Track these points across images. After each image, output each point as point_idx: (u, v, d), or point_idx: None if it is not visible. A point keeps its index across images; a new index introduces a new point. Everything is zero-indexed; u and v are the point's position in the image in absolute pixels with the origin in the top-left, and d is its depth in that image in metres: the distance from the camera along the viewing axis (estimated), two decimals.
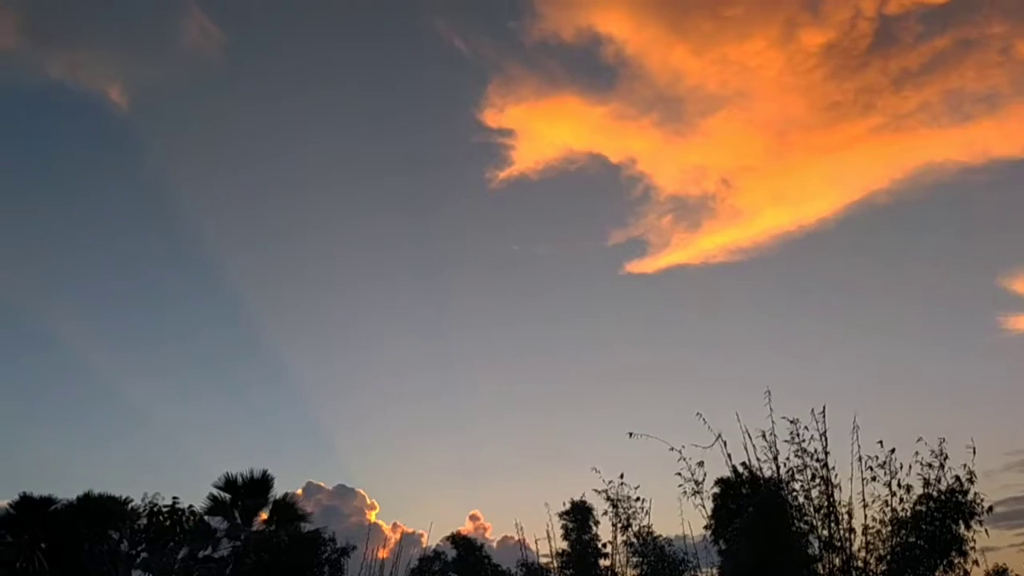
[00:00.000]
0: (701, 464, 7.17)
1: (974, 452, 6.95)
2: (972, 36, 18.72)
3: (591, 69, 21.30)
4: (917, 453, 7.03)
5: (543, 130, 22.10)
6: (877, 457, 6.98)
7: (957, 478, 7.05)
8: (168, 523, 11.80)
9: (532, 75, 21.32)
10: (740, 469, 7.34)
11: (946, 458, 7.05)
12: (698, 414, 7.18)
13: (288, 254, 25.03)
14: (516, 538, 9.40)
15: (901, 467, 7.00)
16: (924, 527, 7.09)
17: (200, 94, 24.14)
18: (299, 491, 14.22)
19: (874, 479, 6.94)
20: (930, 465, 7.09)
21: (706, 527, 7.65)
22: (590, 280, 24.61)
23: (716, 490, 8.55)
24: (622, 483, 7.66)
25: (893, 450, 6.97)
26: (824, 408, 7.04)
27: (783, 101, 20.49)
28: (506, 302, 25.20)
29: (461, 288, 25.35)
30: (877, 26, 18.76)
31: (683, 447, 7.25)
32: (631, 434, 7.21)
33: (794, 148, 21.11)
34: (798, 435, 7.22)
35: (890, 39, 19.11)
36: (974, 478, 6.98)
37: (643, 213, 22.36)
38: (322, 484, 18.35)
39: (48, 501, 11.83)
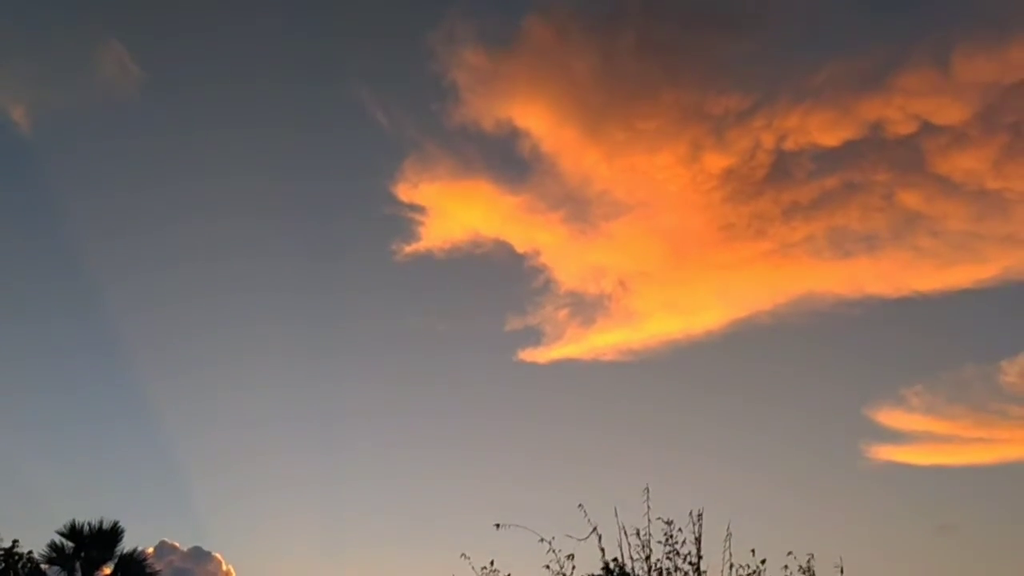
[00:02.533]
0: (571, 557, 7.13)
1: (841, 572, 7.15)
2: (858, 180, 20.11)
3: (507, 160, 21.72)
4: (787, 567, 7.18)
5: (454, 211, 22.26)
6: (748, 566, 7.09)
7: None
8: (3, 567, 10.84)
9: (449, 157, 21.61)
10: (612, 566, 7.35)
11: (814, 575, 7.23)
12: (580, 506, 7.15)
13: (166, 290, 24.15)
14: None
15: None
16: None
17: (109, 127, 23.43)
18: (151, 549, 13.34)
19: None
20: None
21: None
22: (483, 362, 24.58)
23: None
24: (493, 570, 7.53)
25: (764, 560, 7.10)
26: (702, 512, 7.16)
27: (683, 216, 21.38)
28: (396, 372, 24.84)
29: (350, 350, 24.86)
30: (774, 159, 19.94)
31: (553, 538, 7.22)
32: (498, 525, 7.16)
33: (689, 261, 21.97)
34: (672, 536, 7.29)
35: (784, 173, 20.32)
36: None
37: (541, 304, 22.61)
38: (176, 544, 17.31)
39: None
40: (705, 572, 7.06)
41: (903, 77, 19.01)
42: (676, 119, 20.40)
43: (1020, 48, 18.20)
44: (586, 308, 22.58)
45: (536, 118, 20.69)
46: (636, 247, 21.98)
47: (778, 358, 23.27)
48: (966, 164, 19.13)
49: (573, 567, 7.14)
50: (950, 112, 18.67)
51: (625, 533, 7.29)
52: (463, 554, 7.27)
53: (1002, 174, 18.77)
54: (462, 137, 21.30)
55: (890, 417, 20.53)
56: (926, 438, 20.26)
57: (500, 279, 23.79)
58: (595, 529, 7.34)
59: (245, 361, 24.42)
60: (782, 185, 20.44)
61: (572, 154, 21.03)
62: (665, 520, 7.27)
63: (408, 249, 22.04)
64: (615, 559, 7.23)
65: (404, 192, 21.50)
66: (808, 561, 7.15)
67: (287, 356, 23.96)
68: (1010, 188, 18.79)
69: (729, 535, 7.23)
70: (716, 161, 20.09)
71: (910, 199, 19.91)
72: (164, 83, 22.95)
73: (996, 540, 19.68)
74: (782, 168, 20.16)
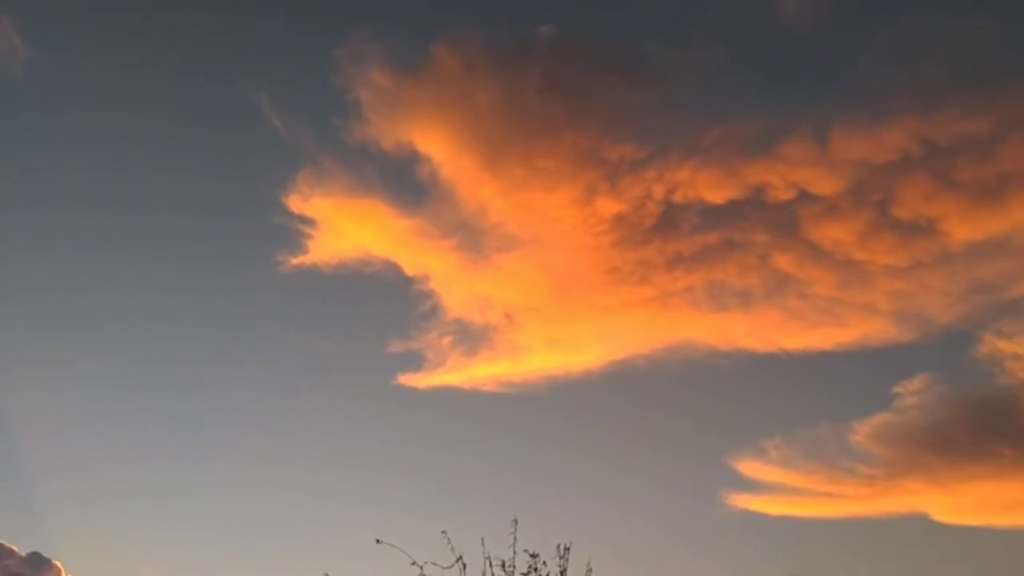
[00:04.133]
0: None
1: None
2: (738, 239, 21.07)
3: (404, 182, 21.67)
4: None
5: (345, 228, 22.01)
6: None
7: None
8: None
9: (345, 173, 21.40)
10: None
11: None
12: (443, 532, 7.23)
13: (31, 280, 22.80)
14: None
15: None
16: None
17: None
18: None
19: None
20: None
21: None
22: (361, 382, 24.17)
23: None
24: None
25: None
26: (569, 546, 7.32)
27: (573, 255, 21.85)
28: (268, 385, 24.14)
29: (222, 357, 23.98)
30: (663, 210, 20.67)
31: (424, 564, 7.23)
32: (379, 541, 7.12)
33: (575, 300, 22.43)
34: (536, 570, 7.41)
35: (671, 225, 21.07)
36: None
37: (427, 329, 22.55)
38: (14, 548, 16.19)
39: None
40: None
41: (786, 146, 20.11)
42: (573, 161, 20.91)
43: (891, 133, 19.56)
44: (470, 337, 22.67)
45: (437, 144, 20.79)
46: (525, 282, 22.31)
47: (651, 401, 23.93)
48: (835, 234, 20.35)
49: None
50: (825, 184, 19.85)
51: (490, 563, 7.37)
52: (326, 574, 7.18)
53: (867, 247, 20.05)
54: (361, 155, 21.16)
55: (749, 467, 21.41)
56: (781, 489, 21.19)
57: (386, 301, 23.60)
58: (460, 558, 7.40)
59: (108, 361, 23.21)
60: (668, 236, 21.19)
61: (470, 184, 21.21)
62: (531, 553, 7.41)
63: (294, 261, 21.64)
64: None
65: (295, 203, 21.14)
66: None
67: (154, 358, 22.98)
68: (873, 260, 20.09)
69: (590, 571, 7.43)
70: (608, 206, 20.68)
71: (783, 261, 21.00)
72: (52, 64, 21.84)
73: None
74: (669, 219, 20.91)
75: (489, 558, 7.38)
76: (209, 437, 23.29)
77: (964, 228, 19.42)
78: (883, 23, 19.77)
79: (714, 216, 21.06)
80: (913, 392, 20.50)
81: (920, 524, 20.13)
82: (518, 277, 22.26)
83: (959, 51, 18.95)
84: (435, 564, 7.39)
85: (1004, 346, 19.43)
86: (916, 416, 20.65)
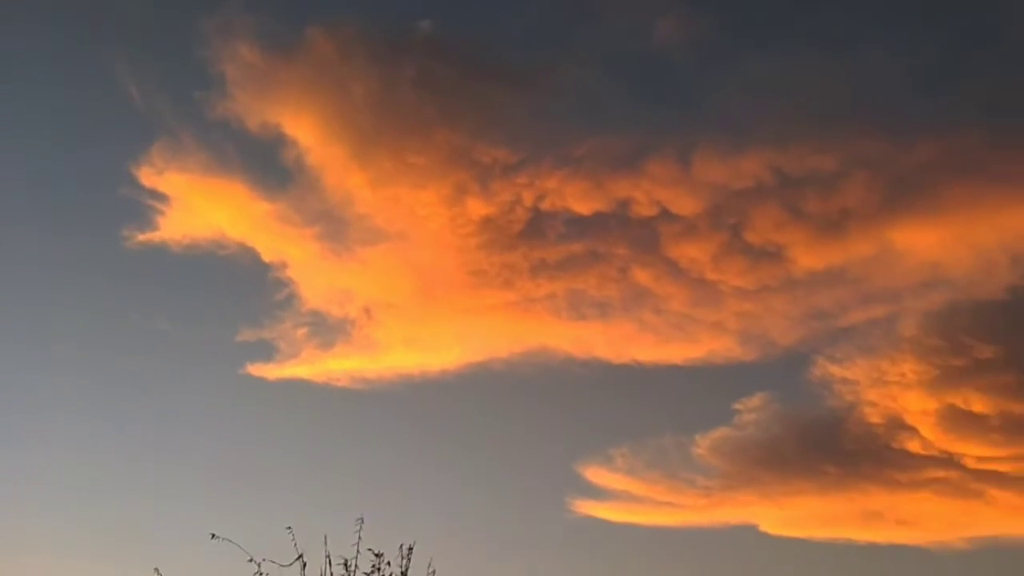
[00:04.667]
0: None
1: None
2: (601, 250, 21.54)
3: (267, 165, 20.90)
4: None
5: (200, 207, 21.00)
6: None
7: None
8: None
9: (204, 150, 20.44)
10: None
11: None
12: (288, 528, 6.98)
13: None
14: None
15: None
16: None
17: None
18: None
19: None
20: None
21: None
22: (207, 370, 23.10)
23: None
24: None
25: None
26: (412, 546, 7.20)
27: (438, 254, 21.70)
28: (107, 368, 22.66)
29: (57, 336, 22.33)
30: (531, 216, 20.88)
31: (263, 561, 6.95)
32: (214, 535, 6.80)
33: (437, 300, 22.27)
34: (379, 569, 7.26)
35: (538, 231, 21.31)
36: None
37: (281, 319, 21.82)
38: None
39: None
40: None
41: (652, 165, 20.74)
42: (445, 160, 20.81)
43: (748, 161, 20.51)
44: (327, 330, 22.11)
45: (305, 129, 20.20)
46: (387, 277, 21.97)
47: (505, 405, 24.08)
48: (692, 253, 21.14)
49: None
50: (685, 204, 20.59)
51: (331, 562, 7.17)
52: (156, 569, 6.83)
53: (719, 268, 20.93)
54: (222, 132, 20.27)
55: (596, 474, 21.88)
56: (624, 497, 21.76)
57: (239, 286, 22.68)
58: (301, 556, 7.17)
59: None
60: (534, 242, 21.42)
61: (337, 173, 20.72)
62: (375, 552, 7.25)
63: (141, 238, 20.47)
64: None
65: (147, 176, 20.01)
66: None
67: None
68: (724, 281, 20.98)
69: (432, 572, 7.34)
70: (477, 208, 20.69)
71: (642, 276, 21.62)
72: None
73: None
74: (537, 226, 21.14)
75: (330, 557, 7.19)
76: (35, 423, 21.66)
77: (807, 257, 20.60)
78: (747, 56, 20.74)
79: (580, 226, 21.46)
80: (751, 409, 21.53)
81: (750, 535, 21.17)
82: (381, 272, 21.92)
83: (813, 89, 20.12)
84: (273, 562, 7.16)
85: (835, 370, 20.71)
86: (753, 432, 21.70)
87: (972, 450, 19.29)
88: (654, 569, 22.18)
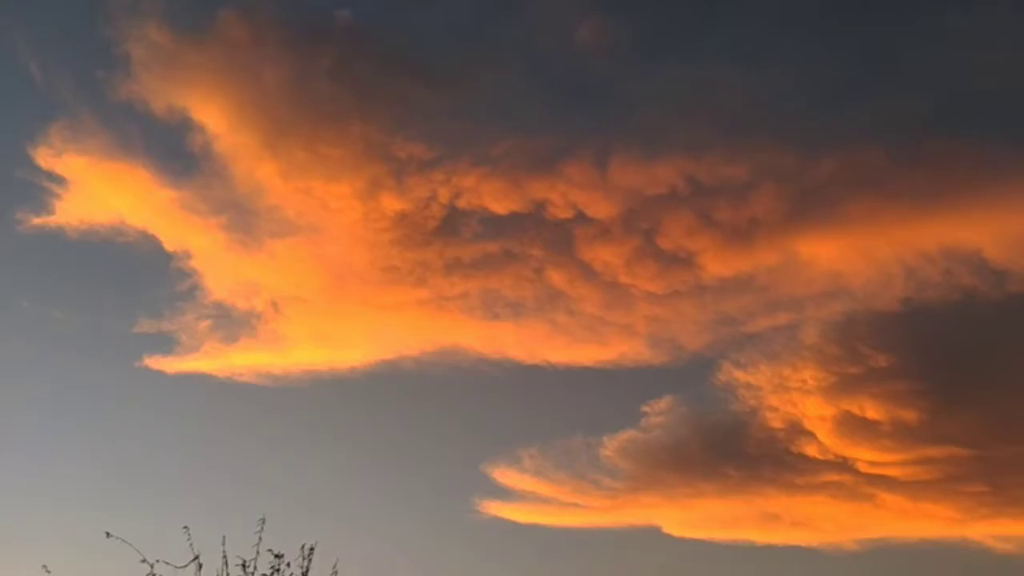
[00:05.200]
0: None
1: None
2: (516, 251, 21.56)
3: (173, 150, 20.19)
4: None
5: (100, 191, 20.13)
6: None
7: None
8: None
9: (106, 132, 19.59)
10: None
11: None
12: (184, 528, 6.72)
13: None
14: None
15: None
16: None
17: None
18: None
19: None
20: None
21: None
22: (102, 361, 22.15)
23: None
24: None
25: None
26: (314, 546, 7.00)
27: (350, 249, 21.33)
28: None
29: None
30: (446, 214, 20.74)
31: (156, 561, 6.67)
32: (108, 534, 6.51)
33: (348, 295, 21.88)
34: (279, 571, 7.06)
35: (453, 230, 21.19)
36: None
37: (183, 310, 21.08)
38: None
39: None
40: None
41: (569, 167, 20.88)
42: (360, 153, 20.47)
43: (662, 168, 20.86)
44: (231, 323, 21.46)
45: (214, 115, 19.57)
46: (297, 271, 21.47)
47: (415, 404, 23.88)
48: (606, 257, 21.37)
49: None
50: (601, 208, 20.80)
51: (228, 563, 6.96)
52: (44, 566, 6.52)
53: (632, 272, 21.22)
54: (126, 114, 19.47)
55: (505, 475, 21.89)
56: (532, 498, 21.84)
57: (139, 275, 21.82)
58: (197, 557, 6.95)
59: None
60: (449, 240, 21.28)
61: (247, 161, 20.14)
62: (275, 553, 7.06)
63: (36, 221, 19.49)
64: None
65: (44, 158, 19.06)
66: None
67: None
68: (636, 285, 21.28)
69: (335, 573, 7.17)
70: (392, 203, 20.42)
71: (556, 277, 21.75)
72: None
73: None
74: (452, 224, 21.01)
75: (227, 558, 6.94)
76: None
77: (716, 264, 21.07)
78: (664, 66, 21.07)
79: (496, 226, 21.43)
80: (659, 412, 21.90)
81: (654, 536, 21.53)
82: (290, 265, 21.40)
83: (726, 101, 20.63)
84: (168, 563, 6.90)
85: (739, 375, 21.24)
86: (659, 435, 22.07)
87: (865, 455, 20.09)
88: (559, 570, 22.35)
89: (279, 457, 22.93)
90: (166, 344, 21.12)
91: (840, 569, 20.91)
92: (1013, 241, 19.42)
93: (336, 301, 22.05)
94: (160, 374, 21.01)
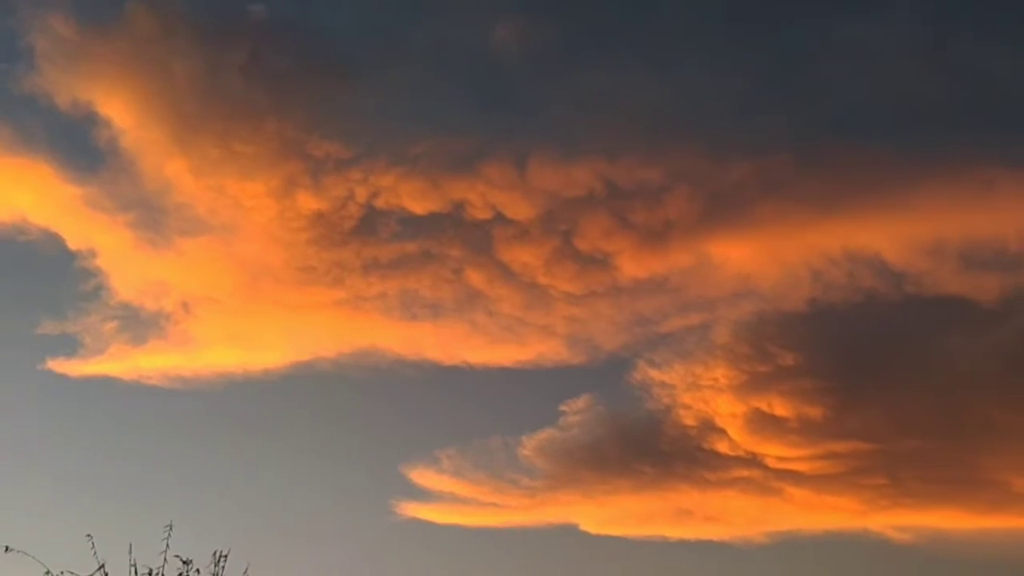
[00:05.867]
0: None
1: None
2: (435, 251, 21.53)
3: (77, 146, 19.51)
4: None
5: (1, 188, 19.38)
6: None
7: None
8: None
9: (7, 126, 18.81)
10: None
11: None
12: (88, 536, 6.53)
13: None
14: None
15: None
16: None
17: None
18: None
19: None
20: None
21: None
22: (3, 364, 21.21)
23: None
24: None
25: None
26: (227, 553, 6.87)
27: (265, 249, 20.93)
28: None
29: None
30: (364, 214, 20.57)
31: (61, 572, 6.47)
32: (8, 548, 6.29)
33: (262, 296, 21.46)
34: None
35: (371, 229, 21.04)
36: None
37: (87, 311, 20.36)
38: None
39: None
40: None
41: (488, 168, 20.95)
42: (275, 151, 20.12)
43: (580, 170, 21.13)
44: (139, 325, 20.81)
45: (121, 109, 18.98)
46: (208, 271, 20.95)
47: (331, 406, 23.60)
48: (524, 257, 21.52)
49: None
50: (520, 209, 20.95)
51: (136, 571, 6.81)
52: None
53: (550, 273, 21.43)
54: (28, 108, 18.73)
55: (422, 476, 21.83)
56: (450, 499, 21.82)
57: (41, 275, 20.98)
58: (103, 566, 6.77)
59: None
60: (367, 240, 21.10)
61: (155, 158, 19.57)
62: (183, 559, 6.94)
63: None
64: None
65: None
66: None
67: None
68: (554, 286, 21.50)
69: None
70: (308, 202, 20.14)
71: (475, 278, 21.79)
72: None
73: None
74: (369, 224, 20.85)
75: (135, 566, 6.77)
76: None
77: (632, 265, 21.47)
78: (583, 68, 21.37)
79: (414, 226, 21.34)
80: (577, 411, 22.17)
81: (571, 534, 21.78)
82: (201, 265, 20.86)
83: (642, 105, 21.03)
84: (72, 573, 6.70)
85: (654, 374, 21.67)
86: (577, 433, 22.35)
87: (773, 451, 20.75)
88: (478, 570, 22.39)
89: (189, 462, 22.34)
90: (70, 346, 20.36)
91: (750, 562, 21.59)
92: (910, 244, 20.37)
93: (250, 301, 21.62)
94: (63, 377, 20.25)
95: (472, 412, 24.85)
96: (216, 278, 21.17)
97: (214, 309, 21.65)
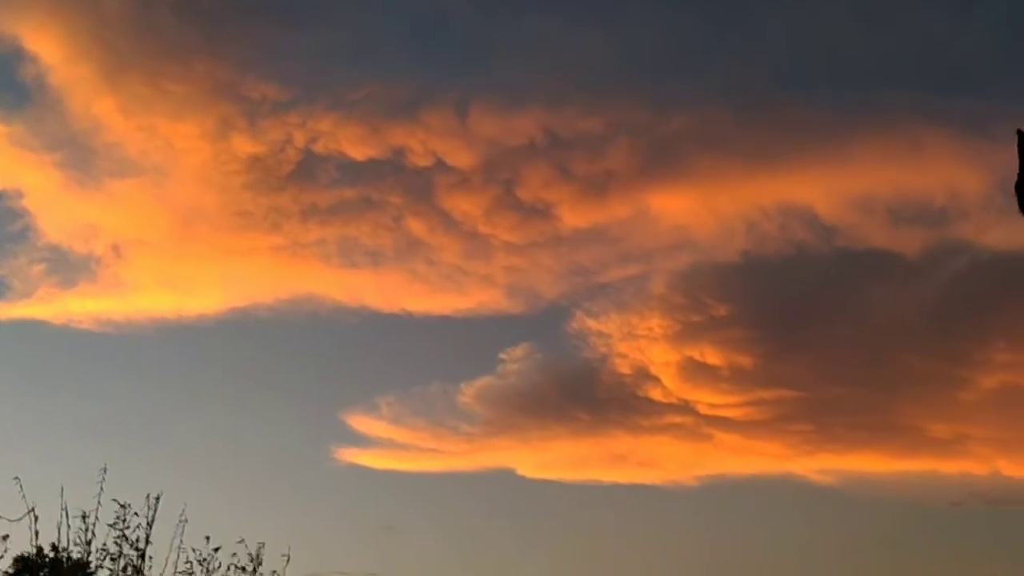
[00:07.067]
0: (5, 538, 6.39)
1: (288, 559, 7.38)
2: (375, 198, 21.34)
3: (3, 82, 18.79)
4: (235, 554, 7.23)
5: None
6: (200, 552, 6.98)
7: None
8: None
9: None
10: (46, 549, 6.73)
11: (261, 563, 7.37)
12: (16, 479, 6.45)
13: None
14: None
15: (220, 566, 7.10)
16: None
17: None
18: None
19: (191, 574, 6.90)
20: (243, 569, 7.32)
21: None
22: None
23: (10, 570, 7.56)
24: None
25: (218, 549, 7.04)
26: (160, 496, 6.87)
27: (199, 192, 20.49)
28: None
29: None
30: (302, 158, 20.24)
31: None
32: None
33: (197, 240, 21.05)
34: (124, 520, 6.90)
35: (309, 175, 20.74)
36: None
37: (14, 253, 19.78)
38: None
39: None
40: (152, 557, 6.82)
41: (429, 115, 20.76)
42: (208, 91, 19.61)
43: (522, 119, 21.09)
44: (68, 268, 20.28)
45: (49, 45, 18.25)
46: (140, 213, 20.44)
47: (270, 352, 23.48)
48: (465, 206, 21.49)
49: (6, 549, 6.50)
50: (461, 157, 20.85)
51: (68, 515, 6.74)
52: None
53: (491, 222, 21.45)
54: None
55: (362, 422, 21.94)
56: (389, 445, 22.00)
57: None
58: (32, 510, 6.68)
59: None
60: (305, 185, 20.80)
61: (84, 96, 18.91)
62: (120, 503, 6.90)
63: None
64: (52, 543, 6.66)
65: None
66: (259, 549, 7.32)
67: None
68: (495, 236, 21.55)
69: (184, 521, 7.08)
70: (244, 145, 19.72)
71: (416, 226, 21.70)
72: None
73: (434, 542, 22.22)
74: (308, 169, 20.53)
75: (67, 509, 6.71)
76: None
77: (573, 216, 21.61)
78: (526, 18, 21.20)
79: (353, 172, 21.10)
80: (515, 359, 22.44)
81: (508, 478, 22.18)
82: (133, 207, 20.34)
83: (585, 56, 21.02)
84: (1, 517, 6.61)
85: (591, 324, 22.01)
86: (515, 381, 22.66)
87: (705, 398, 21.34)
88: (415, 515, 22.67)
89: (123, 406, 22.05)
90: None
91: (680, 504, 22.33)
92: (841, 199, 20.91)
93: (184, 245, 21.19)
94: None
95: (411, 359, 24.97)
96: (148, 221, 20.71)
97: (146, 253, 21.21)
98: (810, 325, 21.82)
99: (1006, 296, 19.62)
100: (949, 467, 20.38)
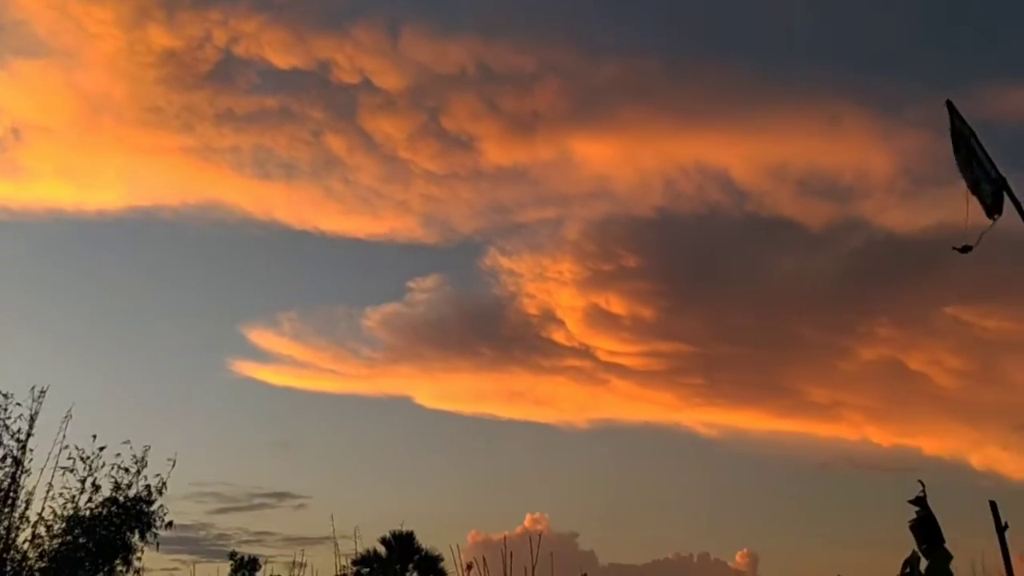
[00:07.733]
0: None
1: (174, 464, 7.33)
2: (295, 109, 20.78)
3: None
4: (119, 454, 7.16)
5: None
6: (83, 450, 6.88)
7: (148, 487, 7.34)
8: None
9: None
10: None
11: (145, 465, 7.31)
12: None
13: None
14: None
15: (104, 465, 7.01)
16: (99, 531, 7.14)
17: None
18: None
19: (72, 471, 6.81)
20: (127, 470, 7.25)
21: None
22: None
23: None
24: None
25: (104, 448, 6.95)
26: (45, 389, 6.72)
27: (109, 82, 19.51)
28: None
29: None
30: (221, 59, 19.49)
31: None
32: None
33: (102, 132, 20.10)
34: (5, 410, 6.77)
35: (228, 78, 20.02)
36: (165, 489, 7.35)
37: None
38: None
39: None
40: (33, 450, 6.71)
41: (358, 30, 20.26)
42: None
43: (455, 47, 20.83)
44: None
45: None
46: (45, 97, 19.37)
47: (171, 256, 22.94)
48: (388, 129, 21.19)
49: None
50: (388, 78, 20.47)
51: None
52: None
53: (413, 148, 21.25)
54: None
55: (262, 337, 21.73)
56: (288, 361, 21.91)
57: None
58: None
59: None
60: (222, 88, 20.09)
61: None
62: (3, 392, 6.77)
63: None
64: None
65: None
66: (145, 452, 7.26)
67: None
68: (415, 162, 21.38)
69: (69, 417, 6.99)
70: (160, 38, 18.87)
71: (335, 143, 21.31)
72: None
73: (327, 462, 22.40)
74: (226, 71, 19.83)
75: None
76: None
77: (497, 152, 21.58)
78: None
79: (275, 80, 20.49)
80: (425, 289, 22.52)
81: (405, 406, 22.46)
82: (37, 89, 19.23)
83: None
84: None
85: (504, 262, 22.23)
86: (422, 311, 22.77)
87: (605, 344, 21.94)
88: (309, 433, 22.76)
89: (11, 296, 21.27)
90: None
91: (571, 443, 23.08)
92: (755, 165, 21.48)
93: (88, 135, 20.21)
94: None
95: (318, 279, 24.75)
96: (52, 106, 19.64)
97: (48, 139, 20.19)
98: (713, 284, 22.54)
99: (895, 276, 20.70)
100: (823, 430, 21.63)
